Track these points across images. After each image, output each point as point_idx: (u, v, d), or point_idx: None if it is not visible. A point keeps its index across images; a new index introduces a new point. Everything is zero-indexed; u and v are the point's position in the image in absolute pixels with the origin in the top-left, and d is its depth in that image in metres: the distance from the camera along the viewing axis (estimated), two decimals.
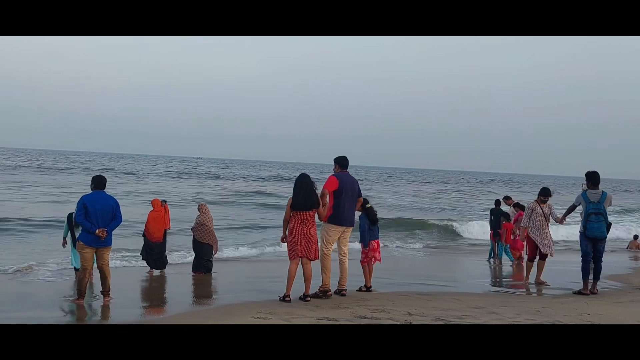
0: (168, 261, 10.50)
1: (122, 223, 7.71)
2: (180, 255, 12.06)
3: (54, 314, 6.94)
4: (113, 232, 7.49)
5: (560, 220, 9.32)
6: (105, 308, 7.32)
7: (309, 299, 7.33)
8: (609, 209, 8.48)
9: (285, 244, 7.50)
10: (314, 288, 7.53)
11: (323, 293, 7.55)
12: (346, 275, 7.83)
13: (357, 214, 8.14)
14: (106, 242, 7.38)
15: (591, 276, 8.56)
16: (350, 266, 7.96)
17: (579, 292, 8.53)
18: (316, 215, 7.43)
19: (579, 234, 8.65)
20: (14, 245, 13.33)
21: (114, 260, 9.99)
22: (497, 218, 12.89)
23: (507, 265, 12.26)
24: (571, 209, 8.97)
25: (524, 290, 9.34)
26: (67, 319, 6.88)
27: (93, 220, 7.19)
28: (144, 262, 10.28)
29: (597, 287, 8.62)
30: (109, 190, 7.84)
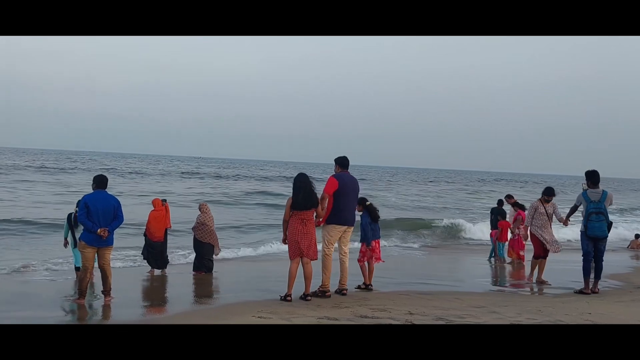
0: (169, 261, 10.51)
1: (124, 222, 7.73)
2: (181, 255, 12.08)
3: (55, 314, 6.95)
4: (114, 232, 7.51)
5: (564, 222, 9.28)
6: (106, 307, 7.33)
7: (309, 298, 7.34)
8: (609, 208, 8.47)
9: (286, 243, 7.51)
10: (314, 287, 7.53)
11: (322, 293, 7.56)
12: (347, 274, 7.84)
13: (357, 213, 8.16)
14: (108, 242, 7.40)
15: (592, 275, 8.56)
16: (351, 266, 7.97)
17: (580, 292, 8.53)
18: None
19: (580, 233, 8.65)
20: (15, 245, 13.34)
21: (115, 261, 9.99)
22: (497, 217, 12.91)
23: (508, 264, 12.25)
24: (573, 210, 8.93)
25: (525, 289, 9.34)
26: (68, 319, 6.90)
27: (95, 219, 7.22)
28: (145, 261, 10.30)
29: (598, 286, 8.61)
30: (112, 190, 7.86)
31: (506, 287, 9.75)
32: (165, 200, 10.68)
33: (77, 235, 8.79)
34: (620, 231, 19.68)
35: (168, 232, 10.47)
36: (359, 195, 8.10)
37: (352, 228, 7.83)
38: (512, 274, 11.28)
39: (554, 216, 9.54)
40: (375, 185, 53.36)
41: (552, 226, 9.65)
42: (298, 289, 7.38)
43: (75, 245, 8.85)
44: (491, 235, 13.14)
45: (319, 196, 7.44)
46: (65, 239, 9.34)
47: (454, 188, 57.21)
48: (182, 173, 58.60)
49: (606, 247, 8.61)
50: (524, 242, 12.20)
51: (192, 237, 10.45)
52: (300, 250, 7.28)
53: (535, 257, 9.69)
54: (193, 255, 10.51)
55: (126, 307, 7.30)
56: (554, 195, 9.67)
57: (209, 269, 10.17)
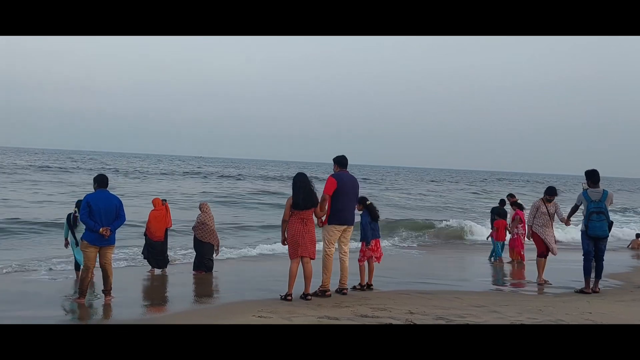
0: (169, 260, 10.52)
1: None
2: (182, 254, 12.09)
3: (56, 313, 6.96)
4: (116, 231, 7.53)
5: (566, 222, 9.24)
6: (107, 307, 7.34)
7: (309, 297, 7.34)
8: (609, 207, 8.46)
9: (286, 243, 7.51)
10: (314, 287, 7.54)
11: (322, 293, 7.56)
12: (347, 274, 7.84)
13: (357, 213, 8.16)
14: (110, 241, 7.43)
15: (593, 275, 8.55)
16: (351, 265, 7.97)
17: (581, 291, 8.53)
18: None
19: (580, 232, 8.65)
20: (16, 245, 13.36)
21: (117, 262, 10.00)
22: (494, 216, 12.94)
23: (508, 264, 12.24)
24: (574, 209, 8.88)
25: (525, 288, 9.33)
26: (68, 318, 6.90)
27: (97, 218, 7.24)
28: (146, 261, 10.31)
29: (599, 286, 8.61)
30: (114, 190, 7.88)
31: (506, 286, 9.74)
32: (165, 200, 10.69)
33: (78, 235, 8.81)
34: (627, 231, 19.67)
35: (168, 231, 10.48)
36: (360, 195, 8.10)
37: (352, 228, 7.83)
38: (513, 273, 11.27)
39: (555, 216, 9.53)
40: (378, 185, 53.36)
41: (554, 226, 9.63)
42: (298, 288, 7.38)
43: (77, 244, 8.86)
44: (491, 234, 13.13)
45: (319, 196, 7.44)
46: (66, 239, 9.36)
47: (457, 187, 57.17)
48: (185, 173, 58.61)
49: (606, 247, 8.61)
50: (523, 242, 12.19)
51: (193, 236, 10.46)
52: (300, 250, 7.28)
53: (539, 255, 9.63)
54: (193, 255, 10.52)
55: (126, 307, 7.31)
56: (555, 194, 9.66)
57: (209, 269, 10.17)
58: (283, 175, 63.71)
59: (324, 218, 7.60)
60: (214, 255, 10.37)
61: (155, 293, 8.84)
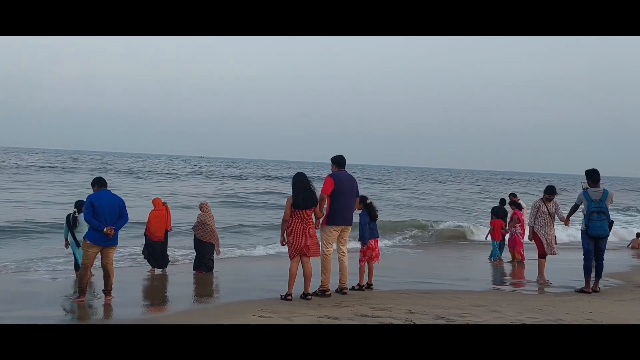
0: (170, 260, 10.52)
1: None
2: (182, 254, 12.08)
3: (56, 313, 6.96)
4: (119, 232, 7.55)
5: (566, 221, 9.22)
6: (107, 307, 7.34)
7: (309, 297, 7.34)
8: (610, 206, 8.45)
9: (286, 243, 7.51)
10: (314, 287, 7.53)
11: (322, 293, 7.56)
12: (346, 273, 7.84)
13: (356, 212, 8.15)
14: (113, 241, 7.45)
15: (593, 274, 8.55)
16: (351, 265, 7.97)
17: (581, 290, 8.52)
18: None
19: (580, 232, 8.64)
20: (17, 245, 13.36)
21: (117, 262, 9.99)
22: (492, 216, 12.96)
23: (508, 263, 12.24)
24: (574, 209, 8.86)
25: (525, 288, 9.32)
26: (68, 318, 6.90)
27: (101, 218, 7.26)
28: (146, 261, 10.31)
29: (599, 285, 8.61)
30: (115, 191, 7.89)
31: (506, 285, 9.73)
32: (164, 203, 10.69)
33: (78, 236, 8.81)
34: (633, 230, 19.61)
35: (168, 232, 10.48)
36: (360, 194, 8.09)
37: (350, 227, 7.82)
38: (513, 273, 11.26)
39: (556, 215, 9.51)
40: (381, 185, 53.33)
41: (554, 225, 9.61)
42: (298, 288, 7.38)
43: (78, 245, 8.85)
44: (489, 233, 13.16)
45: (318, 196, 7.44)
46: (66, 239, 9.36)
47: (459, 187, 57.12)
48: (189, 173, 58.61)
49: (606, 246, 8.61)
50: (521, 241, 12.19)
51: (193, 236, 10.46)
52: (300, 250, 7.28)
53: (540, 256, 9.61)
54: (193, 255, 10.52)
55: (127, 307, 7.31)
56: (555, 194, 9.64)
57: (210, 268, 10.18)
58: (283, 175, 63.70)
59: (321, 220, 7.59)
60: (215, 255, 10.37)
61: (156, 293, 8.84)
